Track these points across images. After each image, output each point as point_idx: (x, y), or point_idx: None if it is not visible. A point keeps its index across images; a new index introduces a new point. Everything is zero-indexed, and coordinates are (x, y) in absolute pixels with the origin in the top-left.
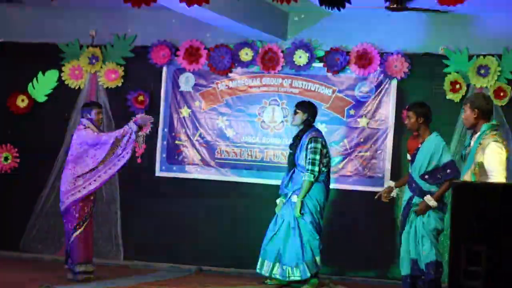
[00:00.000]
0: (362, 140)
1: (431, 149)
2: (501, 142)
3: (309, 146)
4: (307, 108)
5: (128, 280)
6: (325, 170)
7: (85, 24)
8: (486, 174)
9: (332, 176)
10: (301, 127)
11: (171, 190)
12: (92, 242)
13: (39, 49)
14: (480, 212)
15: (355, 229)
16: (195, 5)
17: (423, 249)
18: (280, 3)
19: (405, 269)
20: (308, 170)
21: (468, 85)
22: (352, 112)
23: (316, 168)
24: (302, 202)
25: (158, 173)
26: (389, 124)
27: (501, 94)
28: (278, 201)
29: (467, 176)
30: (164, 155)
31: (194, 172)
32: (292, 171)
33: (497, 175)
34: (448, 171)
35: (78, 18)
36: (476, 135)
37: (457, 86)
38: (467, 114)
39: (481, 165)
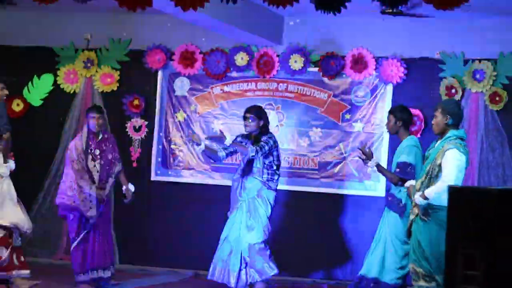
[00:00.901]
0: (357, 144)
1: (399, 149)
2: (463, 151)
3: (263, 139)
4: (262, 114)
5: (124, 285)
6: (277, 177)
7: (80, 27)
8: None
9: (327, 180)
10: (256, 133)
11: (166, 195)
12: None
13: (34, 53)
14: (476, 216)
15: (352, 233)
16: (191, 10)
17: None
18: (276, 8)
19: None
20: (256, 147)
21: (463, 90)
22: (347, 116)
23: (263, 151)
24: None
25: (153, 177)
26: (385, 128)
27: (497, 98)
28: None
29: (419, 180)
30: (159, 159)
31: (190, 177)
32: (244, 178)
33: (450, 179)
34: (397, 170)
35: (73, 21)
36: (440, 140)
37: (453, 90)
38: (438, 119)
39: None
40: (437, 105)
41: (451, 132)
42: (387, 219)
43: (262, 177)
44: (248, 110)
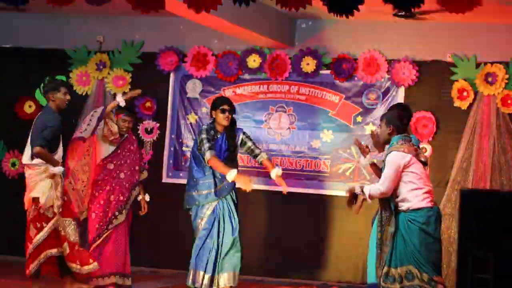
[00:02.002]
0: (369, 147)
1: None
2: (402, 150)
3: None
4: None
5: (135, 286)
6: None
7: (93, 30)
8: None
9: (338, 183)
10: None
11: (177, 197)
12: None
13: (46, 55)
14: (487, 218)
15: (365, 236)
16: (203, 12)
17: None
18: (288, 10)
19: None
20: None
21: (475, 93)
22: (359, 119)
23: None
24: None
25: (164, 179)
26: None
27: (509, 101)
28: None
29: None
30: (171, 162)
31: None
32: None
33: (384, 183)
34: None
35: (86, 24)
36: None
37: (465, 93)
38: (382, 130)
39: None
40: (382, 115)
41: (393, 138)
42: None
43: None
44: (231, 105)
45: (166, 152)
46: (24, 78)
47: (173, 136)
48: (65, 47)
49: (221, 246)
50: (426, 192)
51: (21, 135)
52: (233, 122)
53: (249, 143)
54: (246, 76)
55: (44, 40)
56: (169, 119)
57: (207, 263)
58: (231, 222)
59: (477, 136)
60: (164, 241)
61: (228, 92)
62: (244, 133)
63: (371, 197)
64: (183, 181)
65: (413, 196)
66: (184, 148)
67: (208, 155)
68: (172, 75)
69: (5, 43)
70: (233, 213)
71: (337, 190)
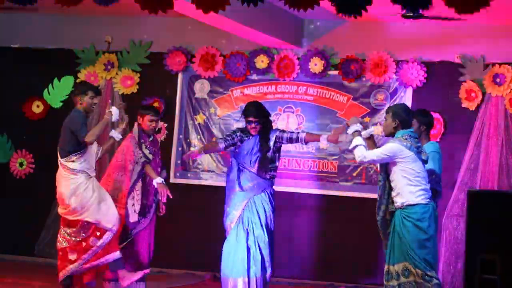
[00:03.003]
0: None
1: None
2: (405, 144)
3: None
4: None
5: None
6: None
7: (101, 30)
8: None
9: (346, 184)
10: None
11: (185, 197)
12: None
13: (54, 55)
14: (495, 219)
15: (371, 236)
16: (212, 12)
17: None
18: (297, 10)
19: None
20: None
21: (483, 94)
22: (367, 119)
23: None
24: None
25: (172, 180)
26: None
27: None
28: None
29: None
30: (178, 162)
31: (209, 179)
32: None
33: (370, 154)
34: None
35: (94, 24)
36: None
37: (473, 94)
38: (387, 122)
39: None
40: (388, 108)
41: (398, 132)
42: None
43: None
44: (257, 114)
45: (173, 152)
46: (32, 78)
47: (180, 136)
48: (74, 47)
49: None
50: (421, 190)
51: (29, 135)
52: (266, 127)
53: (285, 134)
54: (254, 77)
55: (52, 40)
56: (177, 119)
57: None
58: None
59: (485, 137)
60: (172, 241)
61: (236, 93)
62: (278, 130)
63: (355, 153)
64: (191, 181)
65: (408, 192)
66: (192, 148)
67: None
68: (180, 75)
69: (14, 43)
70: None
71: (345, 191)
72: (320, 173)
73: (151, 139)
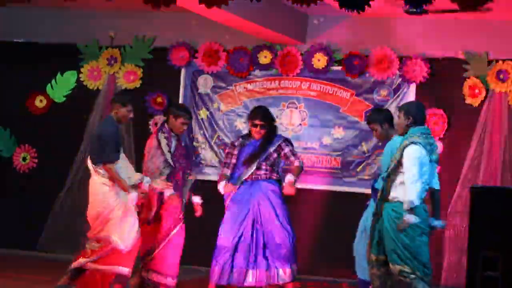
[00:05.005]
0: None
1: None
2: (422, 143)
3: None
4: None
5: None
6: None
7: (104, 25)
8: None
9: (350, 179)
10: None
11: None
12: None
13: (58, 49)
14: (498, 215)
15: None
16: (215, 7)
17: None
18: (300, 6)
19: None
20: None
21: (487, 90)
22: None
23: None
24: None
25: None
26: None
27: None
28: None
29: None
30: None
31: (212, 174)
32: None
33: (412, 177)
34: None
35: (97, 19)
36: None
37: (476, 90)
38: (399, 120)
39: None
40: (400, 106)
41: (411, 130)
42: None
43: None
44: (262, 117)
45: None
46: (35, 73)
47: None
48: (77, 42)
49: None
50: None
51: (32, 129)
52: (270, 133)
53: (287, 149)
54: (257, 72)
55: (56, 35)
56: None
57: None
58: None
59: (488, 134)
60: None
61: (239, 88)
62: (284, 139)
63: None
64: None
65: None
66: (195, 144)
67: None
68: (183, 71)
69: (17, 38)
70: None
71: (348, 186)
72: (324, 169)
73: (175, 141)
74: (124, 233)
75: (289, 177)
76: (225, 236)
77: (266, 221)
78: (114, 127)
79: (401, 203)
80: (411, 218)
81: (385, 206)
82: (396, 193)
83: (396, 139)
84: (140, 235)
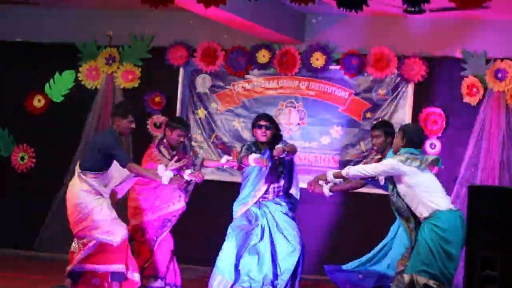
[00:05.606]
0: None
1: None
2: (405, 161)
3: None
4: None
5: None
6: None
7: (103, 24)
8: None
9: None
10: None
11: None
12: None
13: (56, 49)
14: (496, 214)
15: (371, 232)
16: (213, 6)
17: None
18: (298, 5)
19: None
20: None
21: (485, 89)
22: (368, 115)
23: None
24: None
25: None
26: None
27: None
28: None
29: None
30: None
31: (210, 174)
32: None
33: (374, 166)
34: None
35: (96, 18)
36: None
37: (474, 89)
38: (396, 140)
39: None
40: (400, 127)
41: (401, 150)
42: None
43: None
44: (267, 119)
45: None
46: (34, 73)
47: None
48: (75, 41)
49: None
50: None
51: (30, 129)
52: (276, 136)
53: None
54: (256, 72)
55: (54, 34)
56: (178, 114)
57: None
58: None
59: (486, 133)
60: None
61: (237, 88)
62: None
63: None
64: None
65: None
66: (193, 143)
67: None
68: (181, 70)
69: (15, 37)
70: None
71: None
72: (322, 168)
73: (174, 153)
74: (110, 227)
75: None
76: (230, 251)
77: (274, 233)
78: (114, 138)
79: (430, 216)
80: (329, 176)
81: (421, 228)
82: (422, 211)
83: (388, 157)
84: (128, 231)
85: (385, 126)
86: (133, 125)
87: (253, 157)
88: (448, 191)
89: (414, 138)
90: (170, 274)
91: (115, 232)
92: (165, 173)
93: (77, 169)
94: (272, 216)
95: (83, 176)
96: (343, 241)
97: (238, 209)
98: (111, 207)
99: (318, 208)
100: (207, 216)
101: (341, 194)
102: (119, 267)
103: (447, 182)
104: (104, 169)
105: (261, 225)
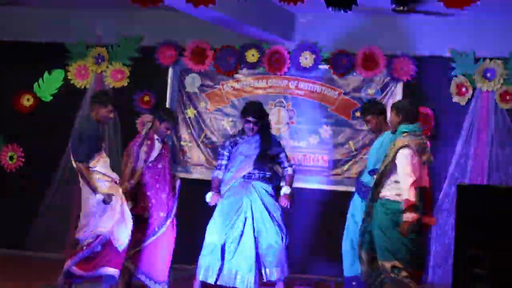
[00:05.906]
0: (367, 142)
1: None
2: (413, 147)
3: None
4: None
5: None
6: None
7: (92, 24)
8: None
9: (337, 178)
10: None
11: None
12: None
13: (45, 48)
14: (484, 213)
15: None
16: (202, 6)
17: None
18: (287, 5)
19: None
20: (291, 165)
21: (474, 88)
22: (358, 114)
23: None
24: None
25: None
26: None
27: (507, 97)
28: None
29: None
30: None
31: (199, 173)
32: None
33: (406, 179)
34: None
35: (85, 18)
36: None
37: (463, 89)
38: (392, 119)
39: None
40: (392, 105)
41: (400, 127)
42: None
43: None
44: (260, 114)
45: None
46: (22, 72)
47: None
48: (64, 40)
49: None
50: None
51: (19, 128)
52: (264, 128)
53: (282, 155)
54: (245, 71)
55: (43, 34)
56: None
57: None
58: None
59: (475, 132)
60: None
61: (226, 87)
62: (282, 149)
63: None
64: (181, 175)
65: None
66: (182, 143)
67: None
68: (170, 69)
69: (3, 37)
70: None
71: (335, 185)
72: (311, 167)
73: (160, 143)
74: (120, 232)
75: (285, 190)
76: (214, 234)
77: (258, 221)
78: (93, 127)
79: (390, 200)
80: (410, 217)
81: (375, 205)
82: (388, 191)
83: (386, 136)
84: (131, 237)
85: (372, 108)
86: (112, 115)
87: (209, 196)
88: (437, 190)
89: (408, 112)
90: (146, 264)
91: (122, 237)
92: (100, 195)
93: (80, 166)
94: (261, 198)
95: (89, 167)
96: (332, 238)
97: (225, 185)
98: (124, 207)
99: (300, 207)
100: (196, 215)
101: (330, 193)
102: (115, 271)
103: (436, 181)
104: (92, 156)
105: (245, 217)
